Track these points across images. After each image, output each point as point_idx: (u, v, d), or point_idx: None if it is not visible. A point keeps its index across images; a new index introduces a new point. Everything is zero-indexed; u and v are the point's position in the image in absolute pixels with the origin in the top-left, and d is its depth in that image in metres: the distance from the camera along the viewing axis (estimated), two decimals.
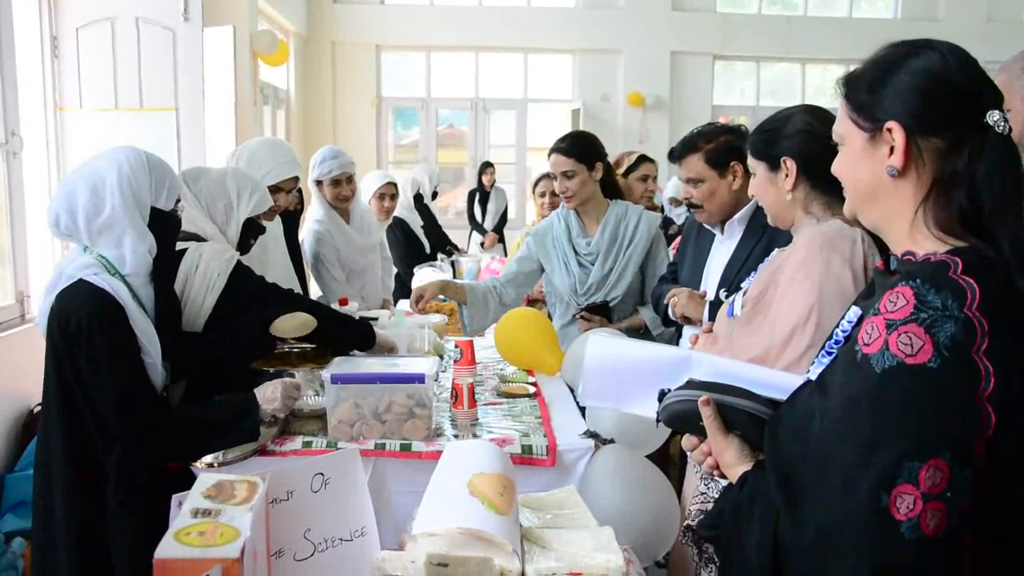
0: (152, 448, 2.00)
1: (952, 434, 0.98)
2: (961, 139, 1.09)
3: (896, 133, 1.12)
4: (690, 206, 2.58)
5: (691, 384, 1.30)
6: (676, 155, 2.55)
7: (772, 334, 1.69)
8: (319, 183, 3.78)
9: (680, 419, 1.31)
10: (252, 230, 2.63)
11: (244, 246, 2.61)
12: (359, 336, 2.64)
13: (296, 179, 3.12)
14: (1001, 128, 1.09)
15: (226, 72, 5.69)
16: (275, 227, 3.27)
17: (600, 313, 3.05)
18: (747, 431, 1.24)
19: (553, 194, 4.91)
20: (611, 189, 3.23)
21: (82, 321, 1.92)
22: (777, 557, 1.09)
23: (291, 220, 3.71)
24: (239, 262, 2.45)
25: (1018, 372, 1.00)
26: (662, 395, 1.32)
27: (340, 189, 3.75)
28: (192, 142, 4.56)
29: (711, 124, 2.61)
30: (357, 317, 3.09)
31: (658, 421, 1.35)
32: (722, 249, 2.57)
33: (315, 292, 3.86)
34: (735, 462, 1.25)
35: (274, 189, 2.97)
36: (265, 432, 2.16)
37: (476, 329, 3.22)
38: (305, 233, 3.81)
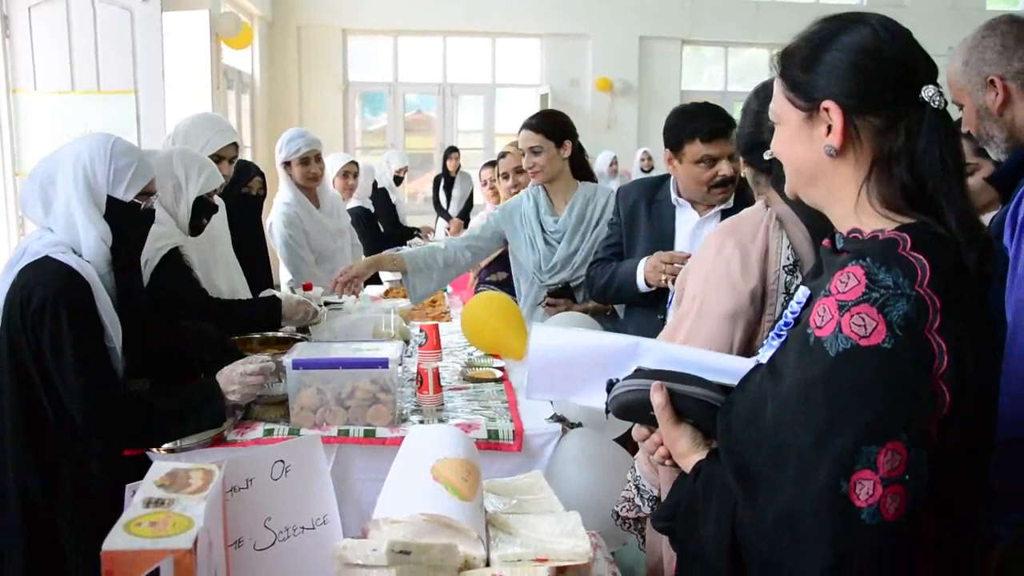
0: (113, 435, 1.96)
1: (908, 416, 0.97)
2: (898, 116, 1.08)
3: (833, 112, 1.10)
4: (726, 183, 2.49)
5: (639, 372, 1.26)
6: (724, 133, 2.43)
7: (673, 322, 1.66)
8: (287, 164, 3.74)
9: (630, 409, 1.27)
10: (203, 209, 2.58)
11: (196, 227, 2.55)
12: (266, 315, 2.68)
13: (235, 146, 3.08)
14: (937, 103, 1.07)
15: (188, 55, 5.58)
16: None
17: (563, 295, 3.04)
18: (699, 419, 1.20)
19: (494, 180, 5.02)
20: (582, 171, 3.23)
21: (47, 298, 1.88)
22: (735, 546, 1.07)
23: (254, 206, 3.65)
24: (173, 253, 2.39)
25: (970, 349, 0.99)
26: (610, 385, 1.28)
27: (309, 167, 3.73)
28: (152, 126, 4.46)
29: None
30: (322, 302, 3.06)
31: (607, 412, 1.30)
32: (704, 231, 2.54)
33: (284, 276, 3.80)
34: (688, 451, 1.21)
35: (215, 159, 2.92)
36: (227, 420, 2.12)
37: (422, 295, 3.22)
38: (273, 216, 3.78)
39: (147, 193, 2.09)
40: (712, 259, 1.57)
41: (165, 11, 4.61)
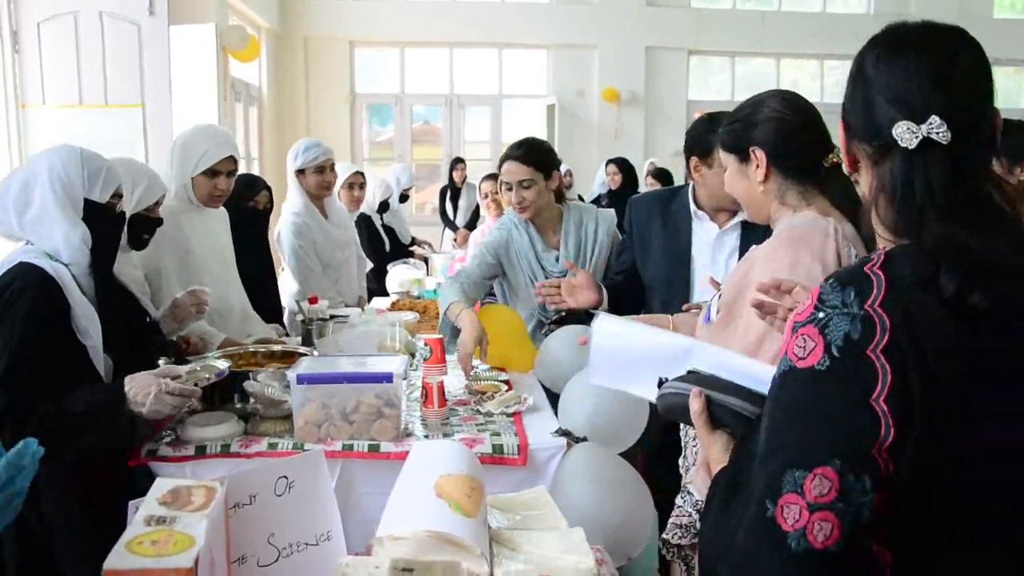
0: (16, 435, 1.90)
1: (841, 441, 0.93)
2: (888, 148, 1.07)
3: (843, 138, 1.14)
4: None
5: (689, 376, 1.29)
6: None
7: (745, 338, 1.63)
8: (301, 173, 3.76)
9: (673, 411, 1.30)
10: (143, 225, 2.49)
11: (137, 242, 2.50)
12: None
13: (234, 160, 2.96)
14: (910, 142, 1.03)
15: (195, 68, 5.61)
16: (218, 222, 3.09)
17: (567, 321, 2.94)
18: (733, 428, 1.22)
19: (496, 192, 4.98)
20: (558, 194, 3.10)
21: (14, 292, 1.92)
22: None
23: (260, 220, 3.66)
24: None
25: (921, 376, 0.94)
26: (661, 383, 1.31)
27: (324, 176, 3.77)
28: (159, 140, 4.49)
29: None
30: (327, 315, 3.05)
31: (655, 409, 1.35)
32: (725, 243, 2.55)
33: (291, 286, 3.80)
34: (721, 458, 1.22)
35: (213, 172, 2.87)
36: (234, 428, 2.15)
37: None
38: (282, 226, 3.78)
39: (118, 196, 2.16)
40: (788, 272, 1.55)
41: (172, 25, 4.65)
